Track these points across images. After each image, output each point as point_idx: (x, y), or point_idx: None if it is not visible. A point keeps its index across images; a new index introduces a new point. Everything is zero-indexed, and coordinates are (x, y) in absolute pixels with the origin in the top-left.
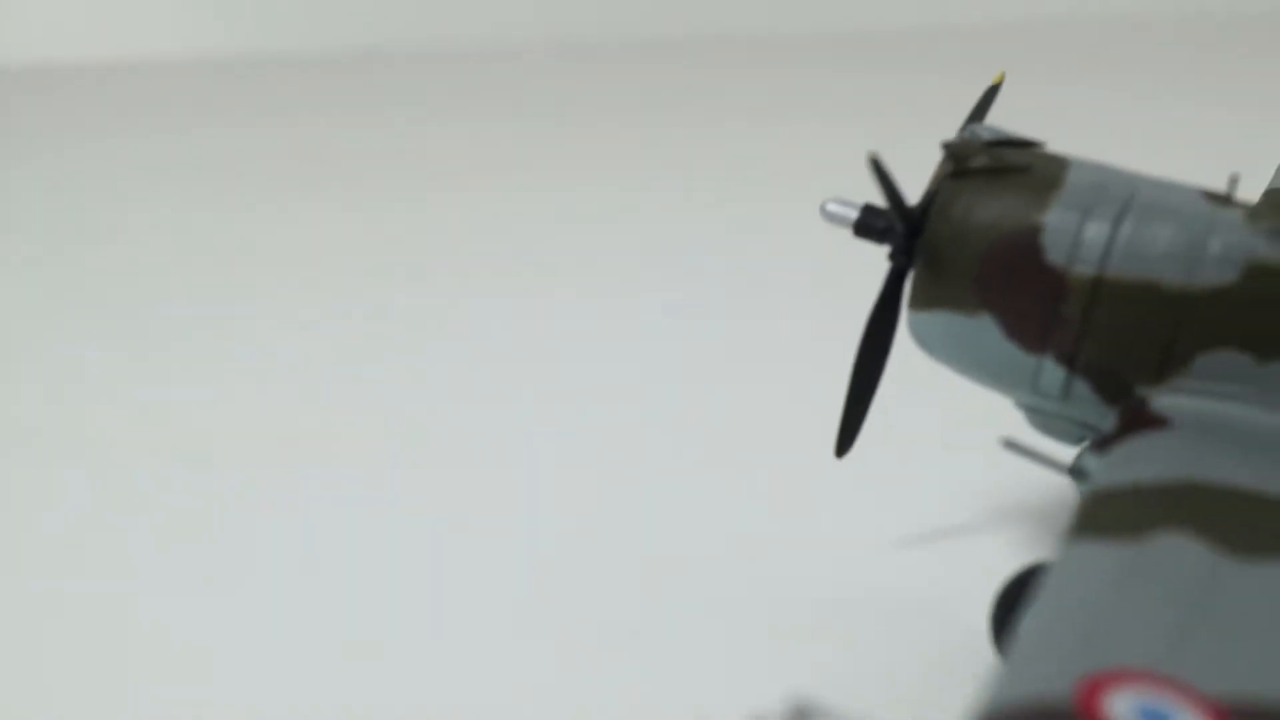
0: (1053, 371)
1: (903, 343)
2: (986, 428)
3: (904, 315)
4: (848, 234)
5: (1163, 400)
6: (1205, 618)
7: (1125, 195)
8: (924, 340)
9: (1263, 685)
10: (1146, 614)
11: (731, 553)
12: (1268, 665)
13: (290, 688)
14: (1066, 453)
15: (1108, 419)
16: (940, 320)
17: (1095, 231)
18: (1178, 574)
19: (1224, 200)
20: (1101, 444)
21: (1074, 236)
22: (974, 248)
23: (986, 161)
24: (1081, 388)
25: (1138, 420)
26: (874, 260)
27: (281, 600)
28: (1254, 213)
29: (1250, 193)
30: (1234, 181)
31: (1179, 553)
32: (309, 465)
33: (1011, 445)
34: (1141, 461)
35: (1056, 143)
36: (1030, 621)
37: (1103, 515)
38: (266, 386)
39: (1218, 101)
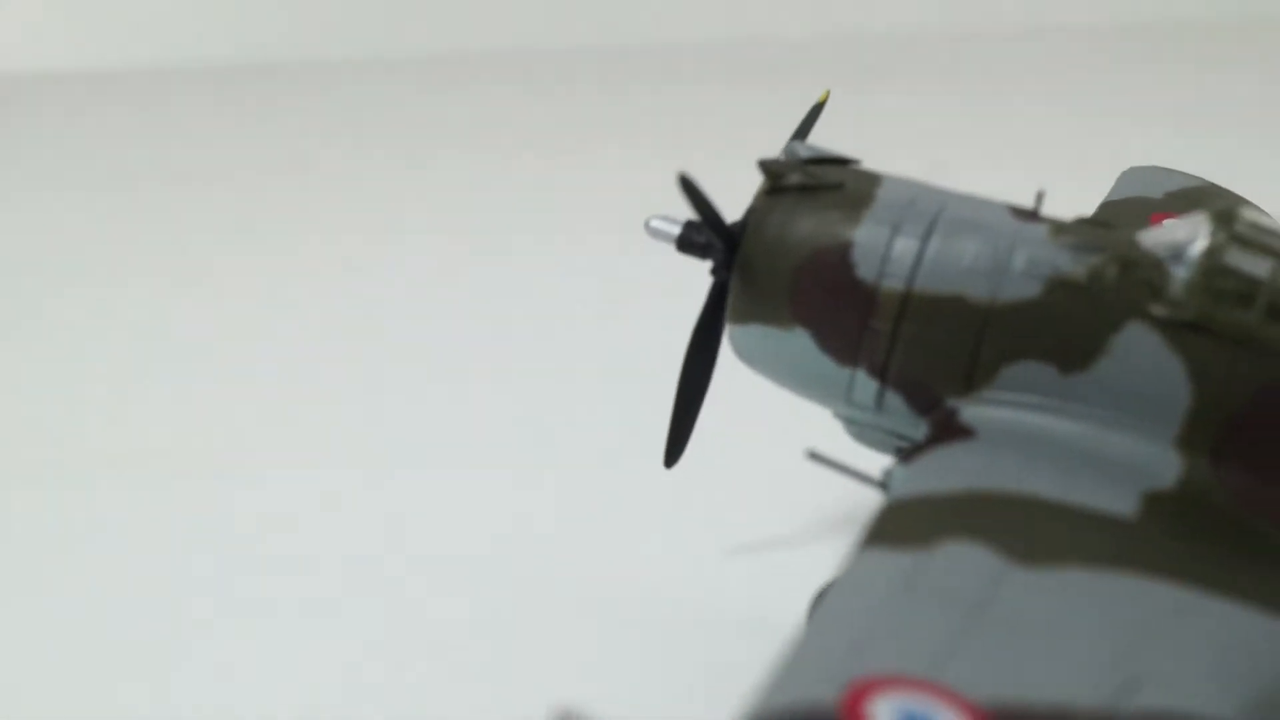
0: (865, 384)
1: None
2: (812, 440)
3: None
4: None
5: (970, 411)
6: (982, 624)
7: (934, 211)
8: (743, 353)
9: (1029, 691)
10: (922, 621)
11: (558, 562)
12: (1037, 671)
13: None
14: (875, 463)
15: (920, 430)
16: (757, 334)
17: (904, 247)
18: (960, 582)
19: (1030, 215)
20: (907, 455)
21: (883, 252)
22: (787, 263)
23: (801, 179)
24: (893, 399)
25: (946, 431)
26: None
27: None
28: (1059, 227)
29: (1083, 204)
30: (1040, 197)
31: (964, 561)
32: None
33: (816, 457)
34: (941, 472)
35: (899, 153)
36: (808, 629)
37: (894, 525)
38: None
39: (1056, 112)
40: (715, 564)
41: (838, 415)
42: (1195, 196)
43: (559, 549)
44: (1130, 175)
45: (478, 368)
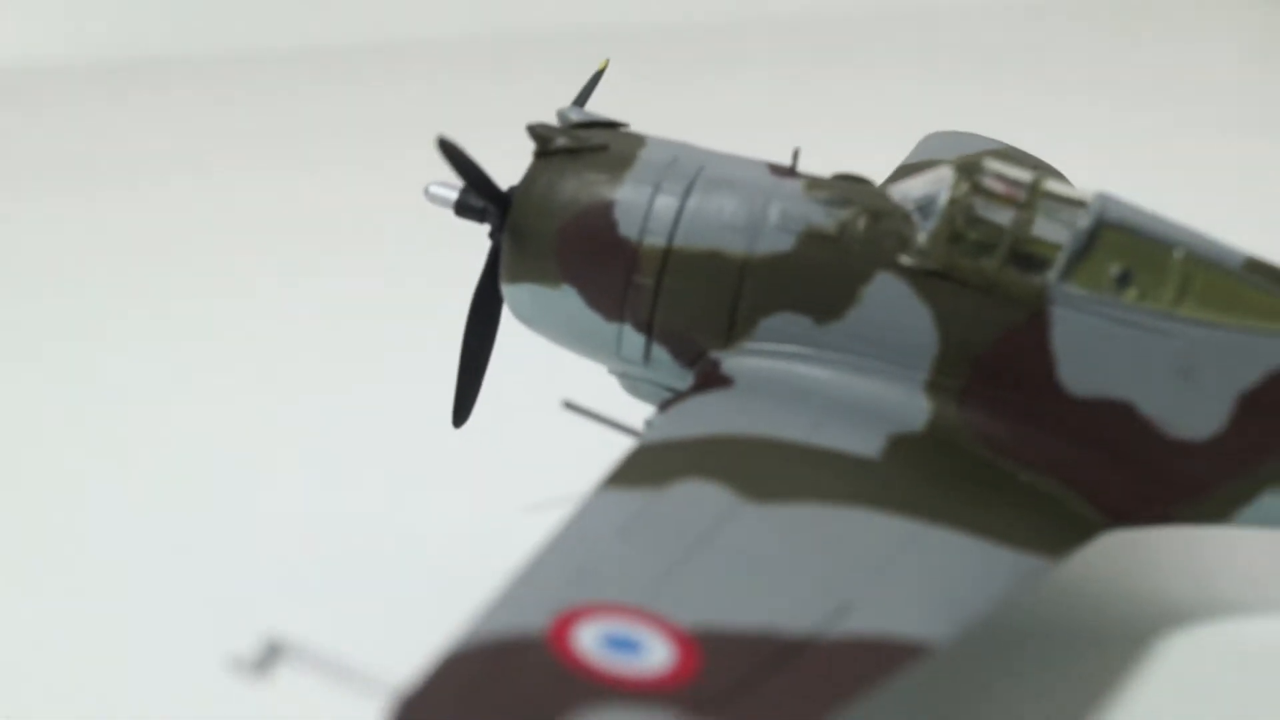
0: (632, 338)
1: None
2: (607, 395)
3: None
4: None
5: (731, 362)
6: (704, 555)
7: (694, 169)
8: (518, 312)
9: (737, 615)
10: (644, 553)
11: (348, 522)
12: (749, 598)
13: None
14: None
15: (687, 382)
16: (528, 293)
17: (664, 205)
18: (688, 517)
19: (788, 172)
20: (666, 404)
21: (645, 210)
22: (553, 223)
23: (568, 142)
24: (660, 353)
25: (707, 381)
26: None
27: None
28: (813, 183)
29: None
30: (796, 154)
31: (695, 498)
32: None
33: (572, 407)
34: (691, 418)
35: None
36: (527, 563)
37: (634, 467)
38: None
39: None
40: (510, 520)
41: (612, 371)
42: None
43: (353, 512)
44: (930, 140)
45: (270, 342)
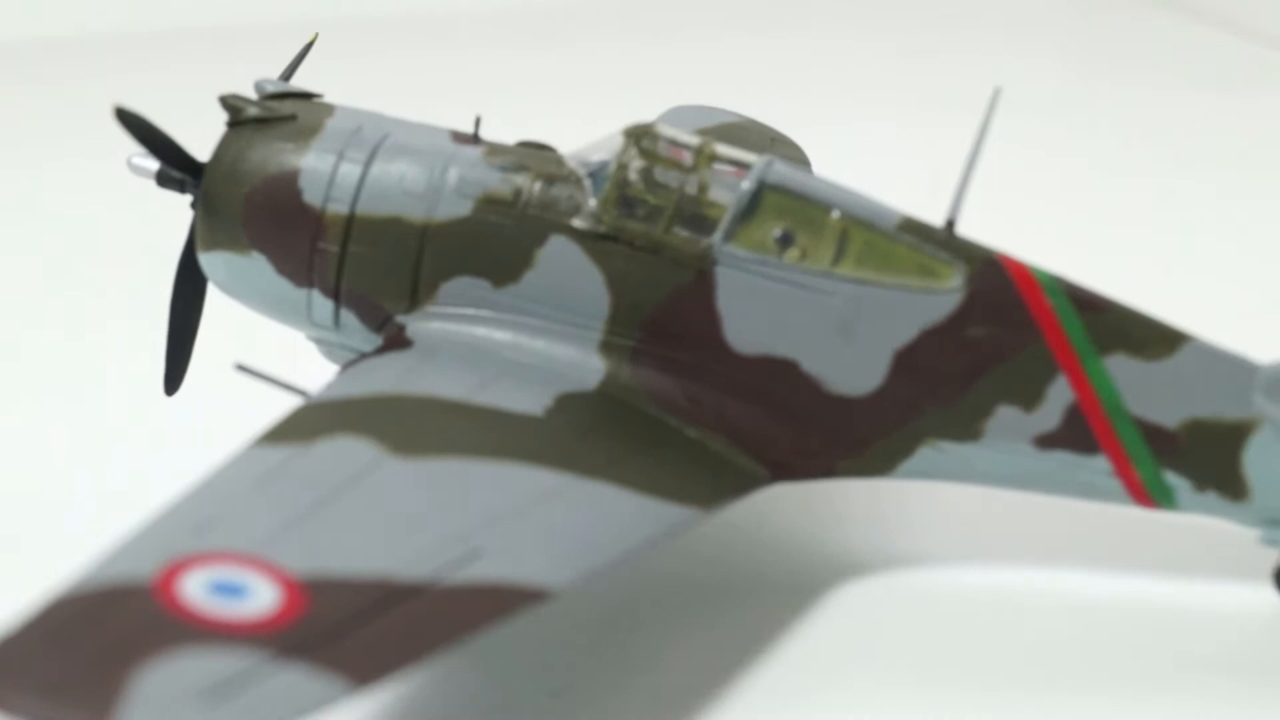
0: (321, 304)
1: None
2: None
3: None
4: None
5: (415, 325)
6: (333, 507)
7: (377, 138)
8: (215, 280)
9: (351, 563)
10: (271, 505)
11: (70, 489)
12: (369, 547)
13: None
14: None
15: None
16: (222, 260)
17: (347, 172)
18: (327, 471)
19: (470, 139)
20: (345, 366)
21: (329, 177)
22: (240, 191)
23: (258, 112)
24: (349, 318)
25: (391, 344)
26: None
27: None
28: (493, 149)
29: None
30: (478, 121)
31: (338, 453)
32: None
33: (244, 369)
34: (359, 379)
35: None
36: (152, 514)
37: (288, 425)
38: None
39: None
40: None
41: (310, 338)
42: (726, 132)
43: (75, 479)
44: (672, 113)
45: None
